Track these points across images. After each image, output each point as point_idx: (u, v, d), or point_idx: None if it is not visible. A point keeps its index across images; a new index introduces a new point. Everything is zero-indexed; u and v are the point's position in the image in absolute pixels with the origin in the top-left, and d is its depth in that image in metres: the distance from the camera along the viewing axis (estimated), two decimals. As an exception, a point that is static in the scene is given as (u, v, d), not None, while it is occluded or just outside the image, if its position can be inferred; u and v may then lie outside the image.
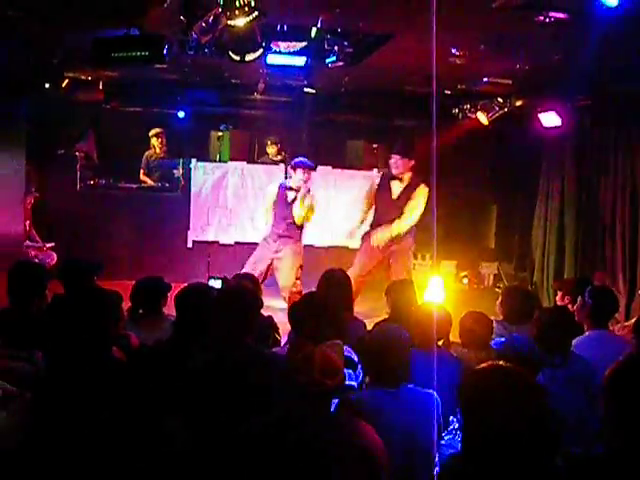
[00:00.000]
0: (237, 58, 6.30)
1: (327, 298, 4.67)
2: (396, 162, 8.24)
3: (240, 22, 5.65)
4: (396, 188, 8.36)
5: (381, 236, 8.20)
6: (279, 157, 11.86)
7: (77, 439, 3.15)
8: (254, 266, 8.30)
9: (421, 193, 8.18)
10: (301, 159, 8.53)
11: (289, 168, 8.57)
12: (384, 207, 8.42)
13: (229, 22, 5.64)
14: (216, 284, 6.17)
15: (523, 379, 2.59)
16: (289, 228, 8.49)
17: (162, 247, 10.65)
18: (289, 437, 2.92)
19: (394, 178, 8.33)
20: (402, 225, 8.18)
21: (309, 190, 8.45)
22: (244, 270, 7.83)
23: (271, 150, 11.91)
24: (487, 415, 2.47)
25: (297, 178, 8.35)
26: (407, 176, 8.29)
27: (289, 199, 8.44)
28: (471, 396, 2.58)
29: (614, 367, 2.82)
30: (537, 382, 3.98)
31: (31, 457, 3.06)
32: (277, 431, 2.97)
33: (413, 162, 8.24)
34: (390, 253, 8.43)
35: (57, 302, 5.04)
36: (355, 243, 9.27)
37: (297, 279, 8.47)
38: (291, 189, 8.42)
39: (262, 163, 11.61)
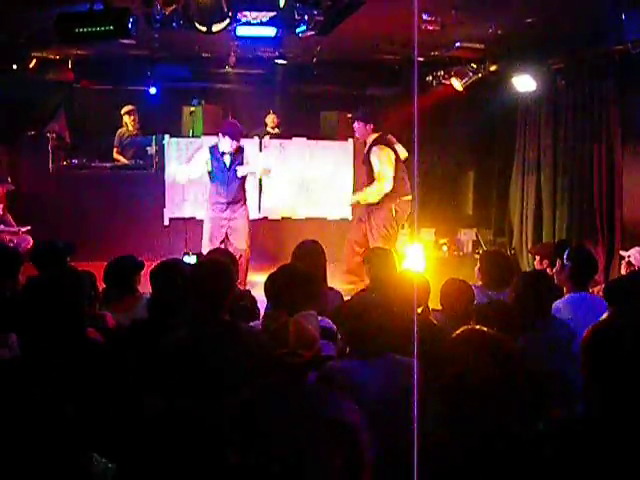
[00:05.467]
0: (204, 29, 6.18)
1: (302, 269, 4.63)
2: (356, 128, 8.63)
3: (205, -9, 5.56)
4: (363, 153, 8.75)
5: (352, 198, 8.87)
6: (277, 130, 11.78)
7: (51, 421, 3.10)
8: (212, 243, 8.28)
9: (374, 156, 8.46)
10: (231, 126, 8.61)
11: (220, 134, 8.47)
12: (358, 173, 9.01)
13: (193, -9, 5.55)
14: (191, 260, 6.11)
15: (501, 343, 2.57)
16: (235, 193, 8.52)
17: (139, 226, 10.53)
18: (265, 412, 2.89)
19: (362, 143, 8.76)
20: (367, 192, 8.52)
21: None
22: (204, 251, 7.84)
23: (269, 121, 11.82)
24: (467, 380, 2.44)
25: (226, 144, 8.37)
26: (370, 139, 8.58)
27: (227, 163, 8.47)
28: (450, 361, 2.54)
29: (590, 331, 2.80)
30: (517, 346, 3.98)
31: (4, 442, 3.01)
32: (253, 406, 2.94)
33: (372, 126, 8.52)
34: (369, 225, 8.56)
35: (30, 285, 4.98)
36: (333, 214, 9.32)
37: (248, 247, 8.57)
38: (224, 154, 8.45)
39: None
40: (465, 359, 2.48)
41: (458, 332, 2.61)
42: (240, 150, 8.52)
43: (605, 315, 4.58)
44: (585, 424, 2.65)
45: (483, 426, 2.44)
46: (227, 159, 8.44)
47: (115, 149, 11.53)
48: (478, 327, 2.65)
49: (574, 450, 2.59)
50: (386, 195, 8.42)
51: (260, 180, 9.47)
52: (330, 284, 5.78)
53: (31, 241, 9.34)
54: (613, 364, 2.67)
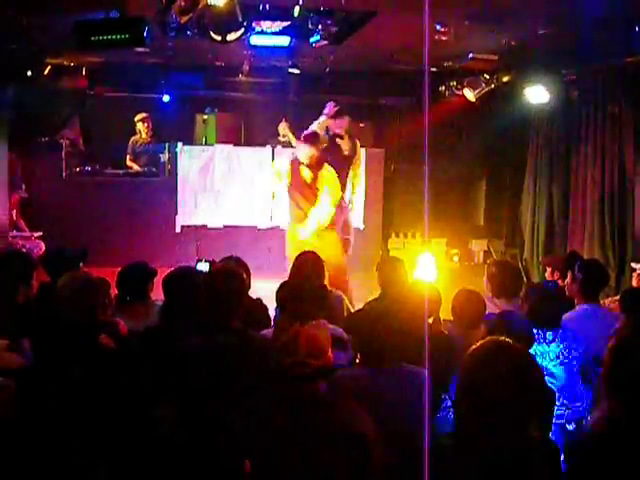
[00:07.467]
0: (218, 38, 6.22)
1: (309, 278, 4.66)
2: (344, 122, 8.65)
3: (220, 1, 5.59)
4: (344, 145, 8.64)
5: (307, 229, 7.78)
6: (287, 138, 11.70)
7: (65, 427, 3.13)
8: None
9: (324, 178, 7.76)
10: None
11: (299, 142, 7.91)
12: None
13: (209, 1, 5.58)
14: (204, 267, 6.10)
15: (522, 354, 2.56)
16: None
17: (150, 232, 10.58)
18: (275, 421, 2.90)
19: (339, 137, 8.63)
20: (318, 214, 7.75)
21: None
22: None
23: (282, 129, 11.75)
24: (487, 390, 2.44)
25: (307, 152, 7.68)
26: (346, 137, 8.62)
27: (307, 177, 7.74)
28: (472, 372, 2.53)
29: (611, 346, 2.79)
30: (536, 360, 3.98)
31: (19, 445, 3.04)
32: (263, 414, 2.94)
33: (346, 119, 8.63)
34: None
35: (43, 290, 5.02)
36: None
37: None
38: (302, 164, 7.74)
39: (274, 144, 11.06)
40: (490, 369, 2.47)
41: (481, 342, 2.60)
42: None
43: (619, 325, 4.59)
44: (606, 437, 2.64)
45: (499, 435, 2.44)
46: (306, 173, 7.82)
47: (128, 156, 11.56)
48: (502, 339, 2.62)
49: (594, 464, 2.58)
50: None
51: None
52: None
53: (43, 246, 9.39)
54: (635, 378, 2.66)
